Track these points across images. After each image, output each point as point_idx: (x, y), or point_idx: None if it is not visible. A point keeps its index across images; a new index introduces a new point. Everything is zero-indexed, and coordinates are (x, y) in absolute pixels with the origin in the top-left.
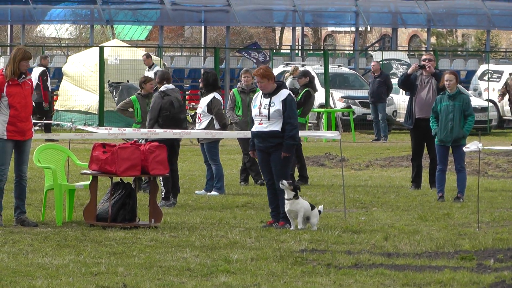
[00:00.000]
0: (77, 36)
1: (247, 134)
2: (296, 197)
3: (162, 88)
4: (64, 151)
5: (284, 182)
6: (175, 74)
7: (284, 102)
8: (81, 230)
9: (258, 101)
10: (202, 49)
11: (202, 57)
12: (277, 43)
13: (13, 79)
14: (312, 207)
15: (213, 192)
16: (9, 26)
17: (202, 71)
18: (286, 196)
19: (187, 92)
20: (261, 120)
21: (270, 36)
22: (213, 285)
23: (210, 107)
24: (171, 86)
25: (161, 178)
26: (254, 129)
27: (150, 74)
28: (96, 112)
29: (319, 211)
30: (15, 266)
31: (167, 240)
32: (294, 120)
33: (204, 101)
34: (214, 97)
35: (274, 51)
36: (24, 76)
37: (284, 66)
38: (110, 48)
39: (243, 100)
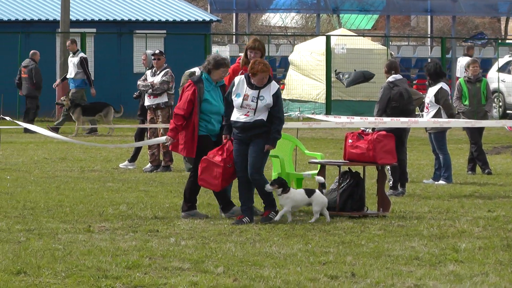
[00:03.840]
0: (303, 25)
1: (474, 123)
2: (284, 191)
3: (391, 78)
4: (292, 140)
5: (268, 186)
6: (401, 63)
7: (275, 96)
8: (309, 219)
9: (242, 90)
10: (429, 39)
11: (429, 47)
12: (502, 33)
13: (247, 68)
14: (311, 192)
15: (441, 181)
16: (234, 14)
17: (429, 60)
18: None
19: (414, 82)
20: (247, 111)
21: (495, 26)
22: (441, 274)
23: (438, 97)
24: (399, 76)
25: (389, 167)
26: (236, 119)
27: (75, 60)
28: (323, 101)
29: (323, 185)
30: (243, 255)
31: (395, 229)
32: (282, 115)
33: (432, 91)
34: (441, 87)
35: (500, 41)
36: None
37: (510, 56)
38: (336, 37)
39: (469, 90)
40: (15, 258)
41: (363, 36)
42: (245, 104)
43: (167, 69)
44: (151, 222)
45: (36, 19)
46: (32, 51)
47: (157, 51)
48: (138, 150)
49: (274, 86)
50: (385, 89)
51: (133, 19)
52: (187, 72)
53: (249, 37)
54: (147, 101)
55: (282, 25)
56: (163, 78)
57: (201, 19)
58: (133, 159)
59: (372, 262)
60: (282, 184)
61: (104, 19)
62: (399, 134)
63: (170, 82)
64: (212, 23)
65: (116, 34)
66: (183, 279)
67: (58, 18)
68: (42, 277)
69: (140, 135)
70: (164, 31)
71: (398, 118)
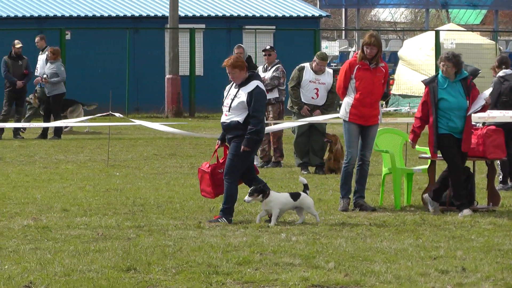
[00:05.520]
0: (412, 20)
1: None
2: (265, 196)
3: (501, 73)
4: (401, 135)
5: (247, 198)
6: (510, 58)
7: (250, 94)
8: (419, 214)
9: (227, 91)
10: None
11: None
12: None
13: (365, 63)
14: (297, 196)
15: None
16: (343, 10)
17: None
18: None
19: None
20: (226, 111)
21: None
22: None
23: None
24: (509, 71)
25: (498, 162)
26: (221, 119)
27: (43, 56)
28: None
29: (306, 187)
30: (353, 250)
31: (505, 224)
32: (260, 114)
33: None
34: None
35: None
36: (376, 62)
37: None
38: (445, 32)
39: None
40: (125, 254)
41: (472, 31)
42: (225, 103)
43: (279, 65)
44: (262, 218)
45: (145, 15)
46: None
47: (267, 47)
48: None
49: (252, 84)
50: (495, 84)
51: (243, 14)
52: (298, 67)
53: (357, 32)
54: None
55: (391, 20)
56: (274, 73)
57: (310, 15)
58: None
59: (482, 256)
60: (260, 191)
61: (213, 14)
62: (509, 129)
63: (281, 78)
64: (321, 19)
65: (226, 30)
66: (294, 275)
67: (167, 14)
68: (152, 273)
69: None
70: (274, 27)
71: (508, 112)
